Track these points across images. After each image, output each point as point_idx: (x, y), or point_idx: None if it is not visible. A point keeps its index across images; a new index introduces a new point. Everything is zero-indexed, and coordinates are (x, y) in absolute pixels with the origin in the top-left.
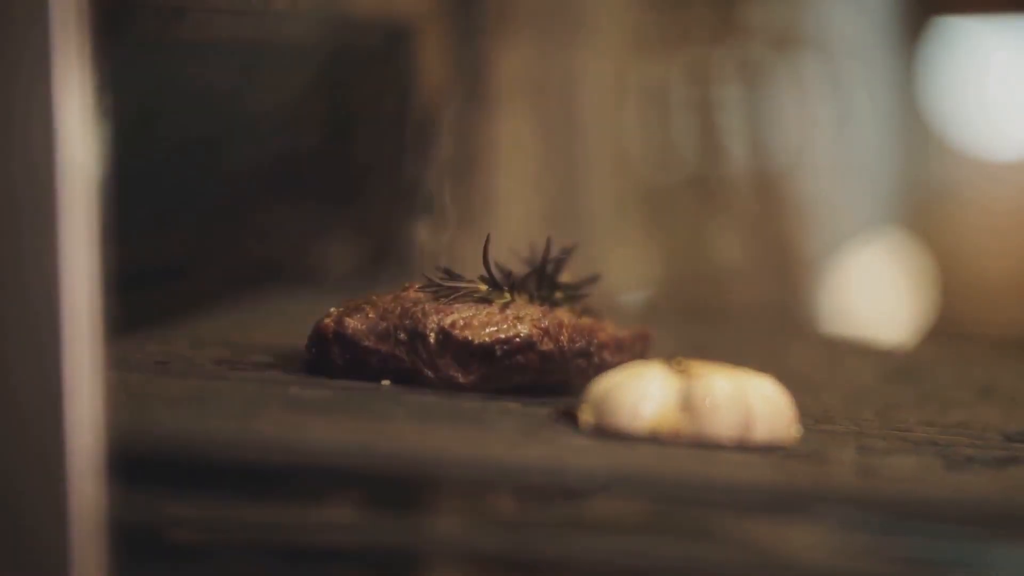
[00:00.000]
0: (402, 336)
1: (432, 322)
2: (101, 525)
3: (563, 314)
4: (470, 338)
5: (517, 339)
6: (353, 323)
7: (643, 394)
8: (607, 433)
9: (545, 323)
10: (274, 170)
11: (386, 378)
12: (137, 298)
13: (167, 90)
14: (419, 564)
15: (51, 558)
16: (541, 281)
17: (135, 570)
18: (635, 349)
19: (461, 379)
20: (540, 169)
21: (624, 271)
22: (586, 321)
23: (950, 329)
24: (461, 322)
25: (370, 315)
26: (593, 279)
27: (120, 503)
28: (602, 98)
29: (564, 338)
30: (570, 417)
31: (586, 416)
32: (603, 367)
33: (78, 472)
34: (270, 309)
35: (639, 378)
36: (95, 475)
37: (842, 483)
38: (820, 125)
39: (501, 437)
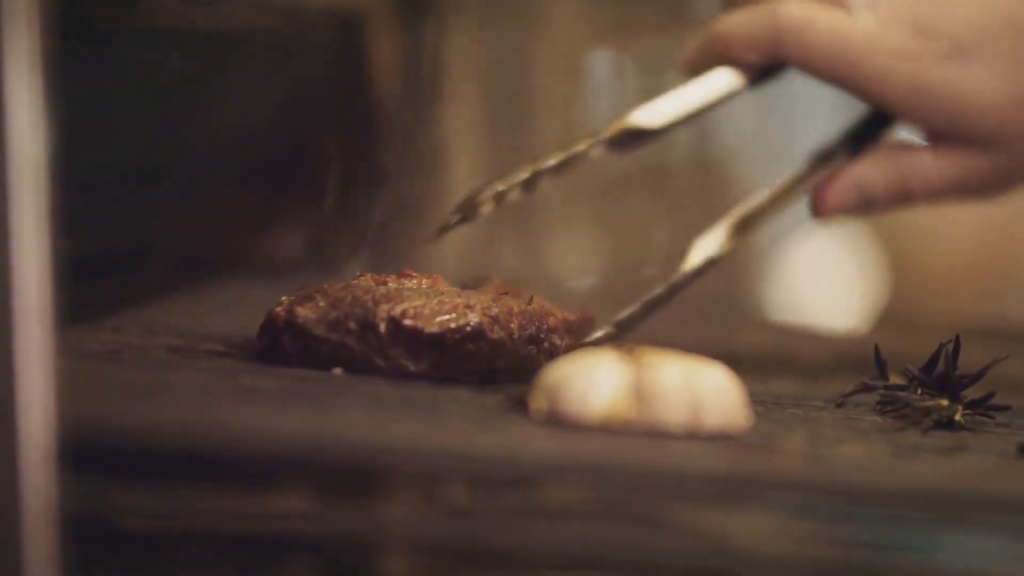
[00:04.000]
0: (352, 326)
1: (383, 311)
2: (53, 515)
3: (512, 301)
4: (420, 327)
5: (467, 328)
6: (304, 312)
7: (594, 382)
8: (559, 421)
9: (495, 311)
10: (227, 158)
11: (337, 367)
12: (89, 287)
13: (118, 78)
14: (372, 553)
15: (3, 548)
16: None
17: (87, 560)
18: (582, 332)
19: (412, 367)
20: (491, 157)
21: (573, 258)
22: (535, 307)
23: (901, 316)
24: (411, 311)
25: (321, 304)
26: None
27: (72, 493)
28: (553, 86)
29: (514, 325)
30: (522, 405)
31: (538, 404)
32: (553, 352)
33: (30, 462)
34: (223, 298)
35: (590, 366)
36: (47, 465)
37: (791, 471)
38: (768, 113)
39: (453, 426)
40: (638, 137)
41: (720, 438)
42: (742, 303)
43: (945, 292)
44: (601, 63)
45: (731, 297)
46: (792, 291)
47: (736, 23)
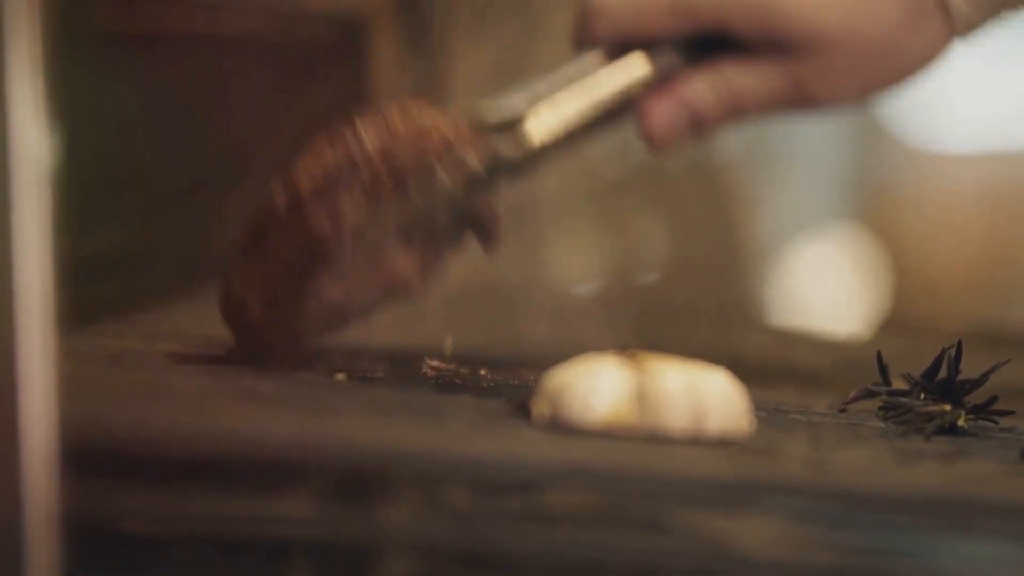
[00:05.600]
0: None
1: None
2: (55, 518)
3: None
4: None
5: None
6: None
7: (597, 387)
8: (561, 426)
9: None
10: (229, 161)
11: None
12: (90, 292)
13: (119, 82)
14: (373, 557)
15: (5, 552)
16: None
17: (90, 563)
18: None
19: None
20: None
21: (575, 263)
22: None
23: (903, 321)
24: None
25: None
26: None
27: (74, 497)
28: None
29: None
30: (524, 410)
31: (540, 409)
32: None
33: (32, 466)
34: None
35: (593, 371)
36: (49, 469)
37: (793, 476)
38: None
39: (455, 430)
40: None
41: (722, 443)
42: (744, 308)
43: (947, 297)
44: None
45: (733, 302)
46: (795, 296)
47: None
